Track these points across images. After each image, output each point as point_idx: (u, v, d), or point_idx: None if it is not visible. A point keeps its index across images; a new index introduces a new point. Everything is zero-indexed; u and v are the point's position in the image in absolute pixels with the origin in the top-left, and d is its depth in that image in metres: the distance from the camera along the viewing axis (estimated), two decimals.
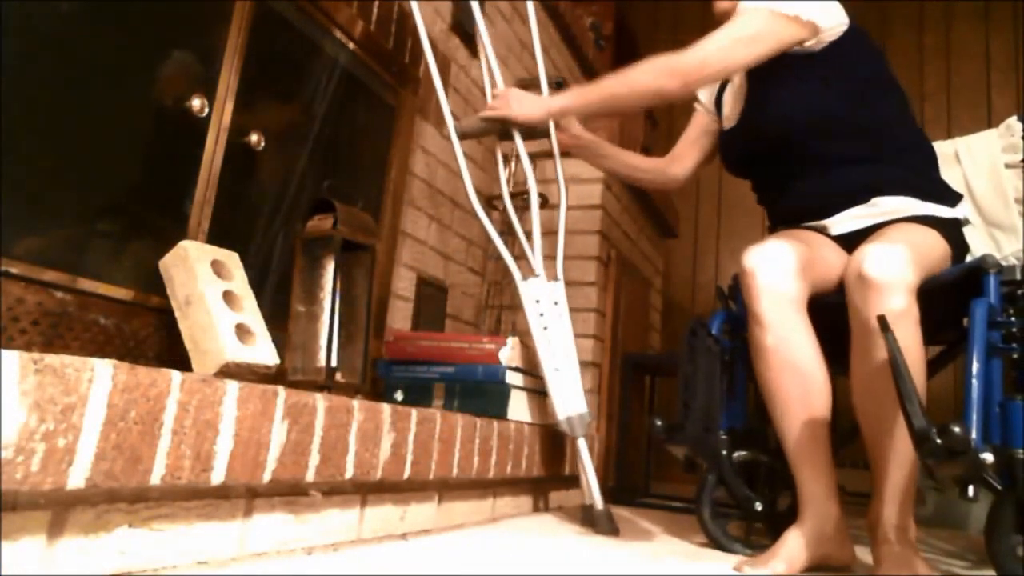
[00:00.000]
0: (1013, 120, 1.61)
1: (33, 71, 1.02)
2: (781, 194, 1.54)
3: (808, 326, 1.31)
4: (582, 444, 1.56)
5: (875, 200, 1.40)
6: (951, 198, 1.43)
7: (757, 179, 1.62)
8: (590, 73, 3.23)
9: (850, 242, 1.38)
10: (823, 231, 1.47)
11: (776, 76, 1.46)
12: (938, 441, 0.98)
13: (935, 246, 1.33)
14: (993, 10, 3.34)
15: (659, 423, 1.42)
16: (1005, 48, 3.29)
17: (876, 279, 1.18)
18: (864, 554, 1.30)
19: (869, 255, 1.21)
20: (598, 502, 1.52)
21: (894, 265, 1.18)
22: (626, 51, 3.58)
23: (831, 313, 1.28)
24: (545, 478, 1.78)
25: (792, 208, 1.52)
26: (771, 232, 1.64)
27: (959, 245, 1.40)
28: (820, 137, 1.44)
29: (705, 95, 1.74)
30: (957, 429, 0.97)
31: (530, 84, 2.52)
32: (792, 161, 1.48)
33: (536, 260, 1.62)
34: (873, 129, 1.45)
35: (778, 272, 1.31)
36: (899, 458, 1.18)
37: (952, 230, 1.38)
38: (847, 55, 1.45)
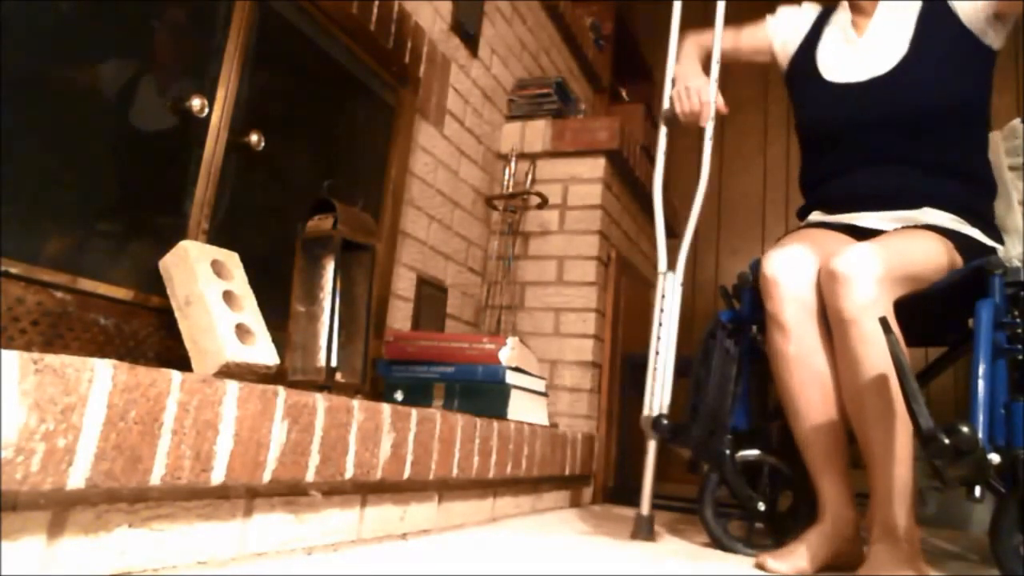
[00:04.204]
0: (1016, 122, 1.60)
1: (33, 71, 1.02)
2: (840, 176, 1.51)
3: (826, 334, 1.30)
4: (651, 447, 1.49)
5: (925, 209, 1.41)
6: (995, 234, 1.45)
7: (831, 150, 1.54)
8: (590, 73, 3.23)
9: (869, 237, 1.38)
10: (852, 223, 1.46)
11: (945, 52, 1.44)
12: (946, 441, 0.97)
13: (937, 254, 1.32)
14: None
15: (664, 422, 1.41)
16: (1005, 48, 3.27)
17: (841, 272, 1.21)
18: None
19: (839, 253, 1.23)
20: (644, 508, 1.47)
21: (859, 259, 1.21)
22: (626, 51, 3.58)
23: None
24: (545, 478, 1.78)
25: (844, 193, 1.50)
26: (799, 215, 1.62)
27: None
28: (943, 128, 1.43)
29: (790, 31, 1.66)
30: (965, 429, 0.97)
31: (530, 84, 2.52)
32: (892, 139, 1.45)
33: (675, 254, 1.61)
34: (968, 145, 1.46)
35: (802, 280, 1.31)
36: (892, 455, 1.17)
37: (974, 252, 1.37)
38: (993, 62, 1.48)
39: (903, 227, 1.39)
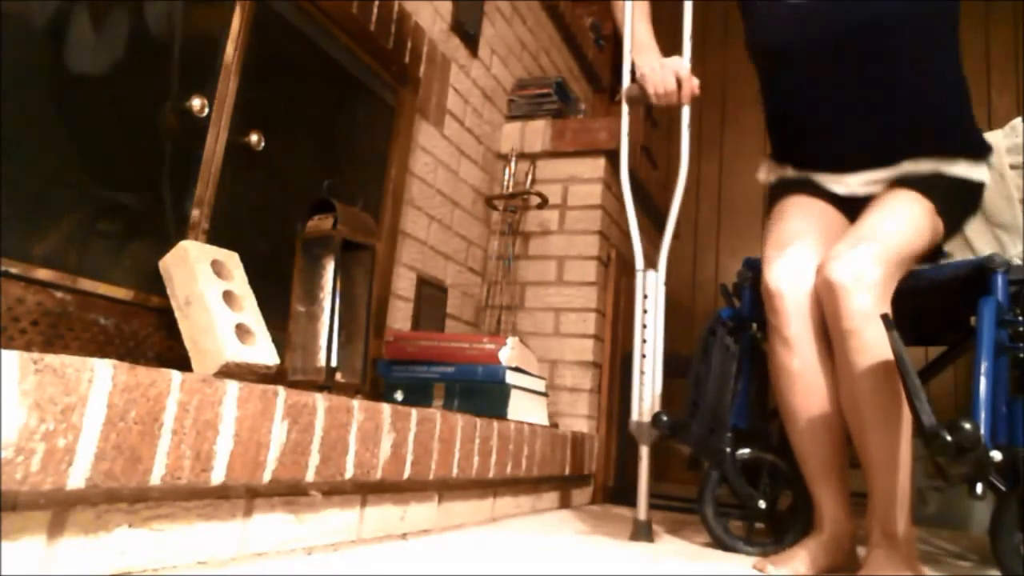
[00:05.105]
0: (1017, 121, 1.60)
1: (33, 71, 1.02)
2: (802, 112, 1.43)
3: (828, 344, 1.28)
4: (644, 453, 1.48)
5: (904, 164, 1.35)
6: (981, 150, 1.37)
7: (787, 78, 1.44)
8: (590, 73, 3.23)
9: (855, 206, 1.35)
10: (831, 189, 1.42)
11: None
12: (948, 438, 0.97)
13: (924, 223, 1.28)
14: (993, 10, 3.34)
15: (664, 419, 1.41)
16: (1005, 48, 3.29)
17: (836, 282, 1.19)
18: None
19: (834, 258, 1.21)
20: (641, 513, 1.46)
21: (855, 267, 1.18)
22: None
23: None
24: (545, 478, 1.78)
25: (814, 154, 1.44)
26: (773, 156, 1.55)
27: (958, 215, 1.34)
28: (911, 42, 1.32)
29: None
30: (967, 426, 0.97)
31: (530, 84, 2.52)
32: (853, 65, 1.35)
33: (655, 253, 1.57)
34: (940, 53, 1.36)
35: (806, 293, 1.28)
36: (890, 462, 1.17)
37: (957, 201, 1.32)
38: None
39: (884, 193, 1.34)
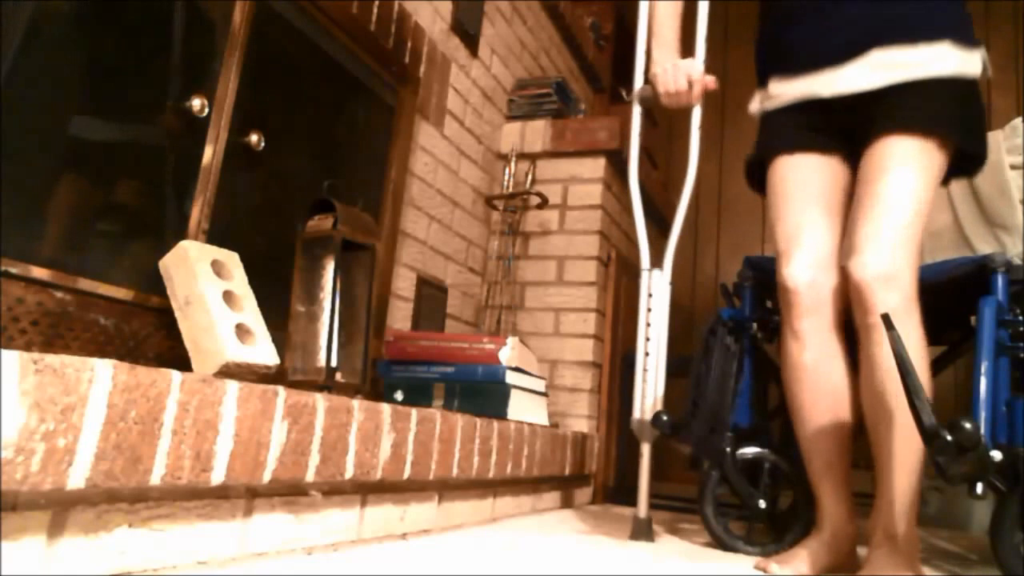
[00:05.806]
0: (1017, 121, 1.60)
1: (34, 71, 1.02)
2: (791, 21, 1.38)
3: (843, 343, 1.27)
4: (645, 451, 1.48)
5: (873, 53, 1.27)
6: (970, 36, 1.27)
7: None
8: (590, 73, 3.23)
9: (850, 133, 1.30)
10: (813, 95, 1.34)
11: None
12: (948, 438, 0.97)
13: (929, 181, 1.23)
14: (993, 10, 3.34)
15: (664, 418, 1.41)
16: (1005, 48, 3.28)
17: (865, 281, 1.17)
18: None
19: (858, 253, 1.19)
20: (641, 511, 1.46)
21: (881, 262, 1.17)
22: (626, 51, 3.58)
23: None
24: (545, 478, 1.78)
25: (802, 40, 1.36)
26: (759, 77, 1.49)
27: (966, 123, 1.26)
28: None
29: None
30: (968, 425, 0.97)
31: (530, 84, 2.52)
32: None
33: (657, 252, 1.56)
34: None
35: (821, 288, 1.27)
36: (902, 462, 1.17)
37: (957, 115, 1.25)
38: None
39: (884, 148, 1.25)
